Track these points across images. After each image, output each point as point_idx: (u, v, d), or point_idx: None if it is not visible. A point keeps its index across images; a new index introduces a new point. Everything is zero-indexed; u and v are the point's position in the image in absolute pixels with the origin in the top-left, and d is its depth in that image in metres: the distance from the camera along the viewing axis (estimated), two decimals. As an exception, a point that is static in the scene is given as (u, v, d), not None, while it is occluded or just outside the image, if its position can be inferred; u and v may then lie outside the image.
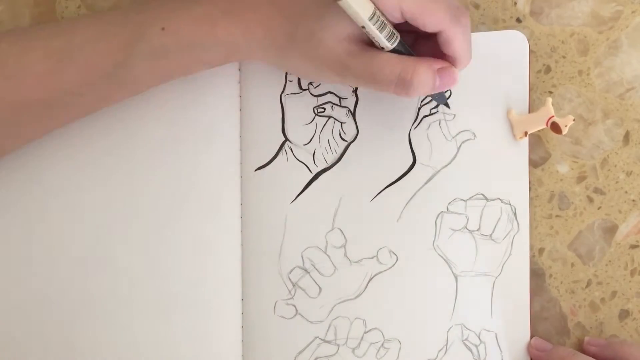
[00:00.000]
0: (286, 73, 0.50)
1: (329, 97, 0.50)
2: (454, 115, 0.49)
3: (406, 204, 0.50)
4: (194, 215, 0.50)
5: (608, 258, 0.50)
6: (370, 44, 0.43)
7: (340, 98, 0.50)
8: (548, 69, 0.50)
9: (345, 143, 0.50)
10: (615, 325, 0.51)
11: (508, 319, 0.50)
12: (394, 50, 0.43)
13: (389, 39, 0.42)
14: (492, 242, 0.49)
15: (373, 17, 0.40)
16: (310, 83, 0.50)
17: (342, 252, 0.50)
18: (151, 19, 0.44)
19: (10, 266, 0.50)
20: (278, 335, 0.50)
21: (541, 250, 0.51)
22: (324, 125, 0.50)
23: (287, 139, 0.50)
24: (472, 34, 0.47)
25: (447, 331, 0.49)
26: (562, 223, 0.50)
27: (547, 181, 0.50)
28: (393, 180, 0.50)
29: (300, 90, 0.50)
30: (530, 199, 0.50)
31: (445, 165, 0.50)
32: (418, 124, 0.50)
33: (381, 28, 0.41)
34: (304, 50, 0.44)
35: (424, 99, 0.49)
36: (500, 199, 0.49)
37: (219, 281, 0.50)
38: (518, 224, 0.49)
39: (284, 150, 0.50)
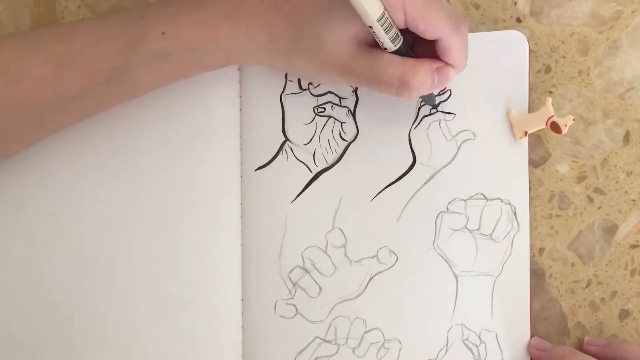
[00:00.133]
0: (286, 73, 0.50)
1: (329, 97, 0.50)
2: (454, 115, 0.49)
3: (406, 204, 0.50)
4: (194, 215, 0.50)
5: (608, 258, 0.50)
6: (372, 45, 0.43)
7: (340, 98, 0.50)
8: (548, 69, 0.50)
9: (346, 143, 0.50)
10: (615, 325, 0.51)
11: (508, 318, 0.50)
12: (395, 52, 0.43)
13: (393, 41, 0.42)
14: (492, 242, 0.49)
15: (382, 18, 0.40)
16: (310, 83, 0.50)
17: (342, 252, 0.50)
18: (152, 23, 0.44)
19: (13, 267, 0.50)
20: (278, 335, 0.50)
21: (541, 250, 0.51)
22: (324, 125, 0.50)
23: (287, 139, 0.50)
24: (472, 34, 0.47)
25: (448, 331, 0.49)
26: (562, 223, 0.50)
27: (547, 181, 0.50)
28: (393, 180, 0.50)
29: (301, 90, 0.50)
30: (530, 198, 0.50)
31: (445, 165, 0.50)
32: (418, 124, 0.50)
33: (387, 29, 0.41)
34: (308, 53, 0.44)
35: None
36: (500, 199, 0.49)
37: (219, 281, 0.50)
38: (518, 223, 0.49)
39: (284, 150, 0.50)
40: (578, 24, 0.50)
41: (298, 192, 0.50)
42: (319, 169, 0.50)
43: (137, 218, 0.50)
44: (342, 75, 0.44)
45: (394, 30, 0.42)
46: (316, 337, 0.50)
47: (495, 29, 0.50)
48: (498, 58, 0.49)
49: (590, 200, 0.50)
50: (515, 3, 0.50)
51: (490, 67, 0.49)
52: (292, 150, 0.50)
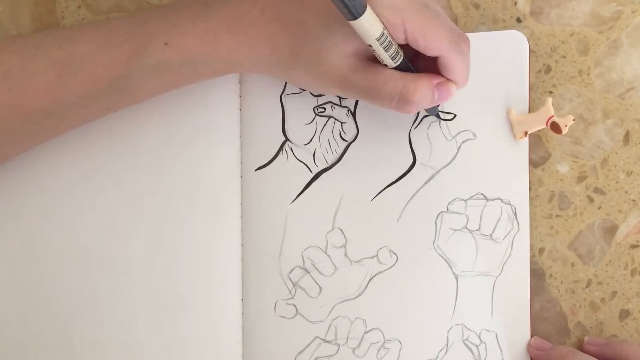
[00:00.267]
0: (286, 73, 0.50)
1: (329, 97, 0.50)
2: (454, 115, 0.49)
3: (406, 204, 0.50)
4: (194, 215, 0.50)
5: (608, 258, 0.51)
6: (373, 59, 0.43)
7: (340, 98, 0.50)
8: (548, 69, 0.50)
9: (346, 143, 0.50)
10: (615, 325, 0.51)
11: (508, 319, 0.50)
12: (396, 67, 0.43)
13: (393, 58, 0.42)
14: (493, 242, 0.49)
15: (381, 37, 0.40)
16: (311, 83, 0.50)
17: (343, 252, 0.50)
18: (154, 33, 0.44)
19: (14, 268, 0.50)
20: (278, 335, 0.50)
21: (541, 250, 0.51)
22: (324, 125, 0.50)
23: (287, 139, 0.50)
24: (473, 34, 0.47)
25: (448, 331, 0.49)
26: (562, 223, 0.50)
27: (547, 181, 0.50)
28: (393, 180, 0.50)
29: (301, 90, 0.50)
30: (531, 198, 0.50)
31: (445, 165, 0.50)
32: (418, 124, 0.50)
33: (387, 47, 0.41)
34: (309, 66, 0.44)
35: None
36: (501, 199, 0.49)
37: (219, 281, 0.50)
38: (518, 223, 0.49)
39: (284, 150, 0.50)
40: (578, 24, 0.50)
41: (298, 192, 0.50)
42: (319, 169, 0.50)
43: (137, 218, 0.50)
44: (343, 89, 0.44)
45: (394, 48, 0.42)
46: (316, 337, 0.50)
47: (495, 29, 0.50)
48: (498, 58, 0.49)
49: (590, 200, 0.50)
50: (515, 3, 0.50)
51: (490, 67, 0.49)
52: (292, 150, 0.50)
